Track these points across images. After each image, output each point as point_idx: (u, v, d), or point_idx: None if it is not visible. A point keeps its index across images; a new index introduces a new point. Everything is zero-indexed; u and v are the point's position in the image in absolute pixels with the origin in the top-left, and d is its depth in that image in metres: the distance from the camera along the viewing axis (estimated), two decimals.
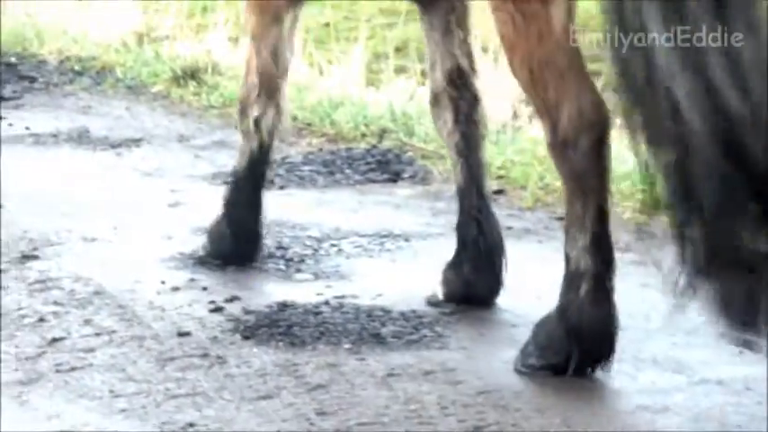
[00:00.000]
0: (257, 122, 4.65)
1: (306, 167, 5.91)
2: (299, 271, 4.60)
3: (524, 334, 3.88)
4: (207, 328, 4.03)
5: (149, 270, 4.57)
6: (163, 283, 4.42)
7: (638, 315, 4.28)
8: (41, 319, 4.06)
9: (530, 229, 5.20)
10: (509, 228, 5.01)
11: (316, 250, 4.81)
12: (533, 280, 4.48)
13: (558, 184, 5.33)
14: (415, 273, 4.33)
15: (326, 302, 4.22)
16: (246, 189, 4.67)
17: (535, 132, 6.50)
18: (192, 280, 4.46)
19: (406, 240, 4.89)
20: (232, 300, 4.24)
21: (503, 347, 4.03)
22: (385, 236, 4.98)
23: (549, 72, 3.73)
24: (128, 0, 9.05)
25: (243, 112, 4.71)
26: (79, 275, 4.46)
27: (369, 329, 4.01)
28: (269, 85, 4.65)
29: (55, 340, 3.91)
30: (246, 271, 4.57)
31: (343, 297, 4.28)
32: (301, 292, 4.35)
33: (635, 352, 3.97)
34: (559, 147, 3.75)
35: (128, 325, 4.05)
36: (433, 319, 4.14)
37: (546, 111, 3.78)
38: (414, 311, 4.18)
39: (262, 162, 4.70)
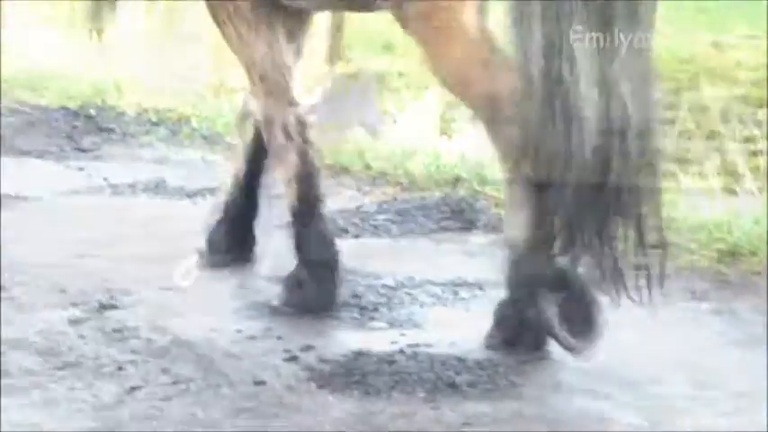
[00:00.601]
0: (285, 130, 4.63)
1: (380, 216, 5.92)
2: (373, 319, 4.60)
3: (599, 383, 3.87)
4: (282, 377, 4.03)
5: (226, 319, 4.59)
6: (239, 332, 4.44)
7: (714, 365, 4.25)
8: (119, 368, 4.09)
9: None
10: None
11: (390, 299, 4.80)
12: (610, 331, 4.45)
13: None
14: (489, 321, 4.30)
15: (401, 351, 4.21)
16: (309, 230, 4.67)
17: None
18: (268, 329, 4.48)
19: (481, 289, 4.87)
20: (307, 349, 4.25)
21: (578, 396, 4.00)
22: (459, 284, 4.96)
23: (474, 69, 4.05)
24: (204, 52, 9.20)
25: (267, 124, 4.68)
26: (156, 324, 4.50)
27: (443, 378, 3.99)
28: (277, 89, 4.67)
29: (133, 389, 3.94)
30: (321, 320, 4.58)
31: (417, 346, 4.27)
32: (376, 340, 4.35)
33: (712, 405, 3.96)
34: (503, 126, 3.97)
35: (204, 374, 4.07)
36: (508, 368, 4.11)
37: (483, 101, 4.05)
38: (489, 360, 4.16)
39: (309, 194, 4.69)
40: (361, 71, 8.51)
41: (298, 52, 4.86)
